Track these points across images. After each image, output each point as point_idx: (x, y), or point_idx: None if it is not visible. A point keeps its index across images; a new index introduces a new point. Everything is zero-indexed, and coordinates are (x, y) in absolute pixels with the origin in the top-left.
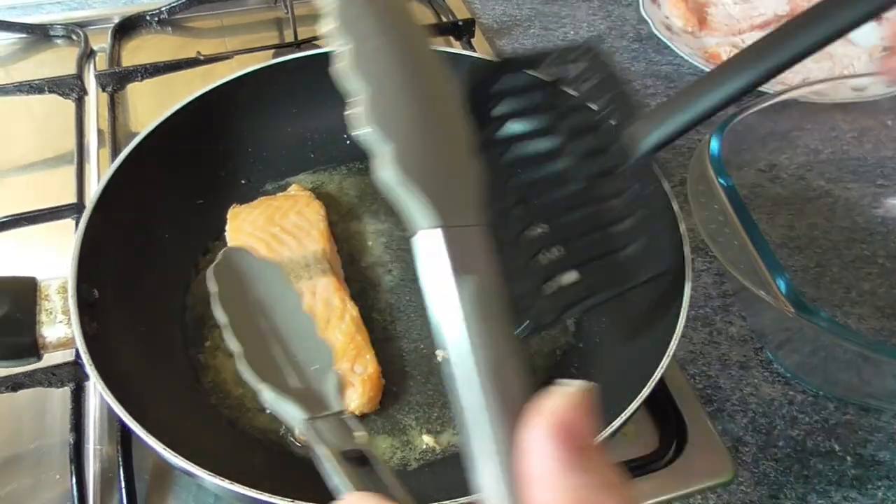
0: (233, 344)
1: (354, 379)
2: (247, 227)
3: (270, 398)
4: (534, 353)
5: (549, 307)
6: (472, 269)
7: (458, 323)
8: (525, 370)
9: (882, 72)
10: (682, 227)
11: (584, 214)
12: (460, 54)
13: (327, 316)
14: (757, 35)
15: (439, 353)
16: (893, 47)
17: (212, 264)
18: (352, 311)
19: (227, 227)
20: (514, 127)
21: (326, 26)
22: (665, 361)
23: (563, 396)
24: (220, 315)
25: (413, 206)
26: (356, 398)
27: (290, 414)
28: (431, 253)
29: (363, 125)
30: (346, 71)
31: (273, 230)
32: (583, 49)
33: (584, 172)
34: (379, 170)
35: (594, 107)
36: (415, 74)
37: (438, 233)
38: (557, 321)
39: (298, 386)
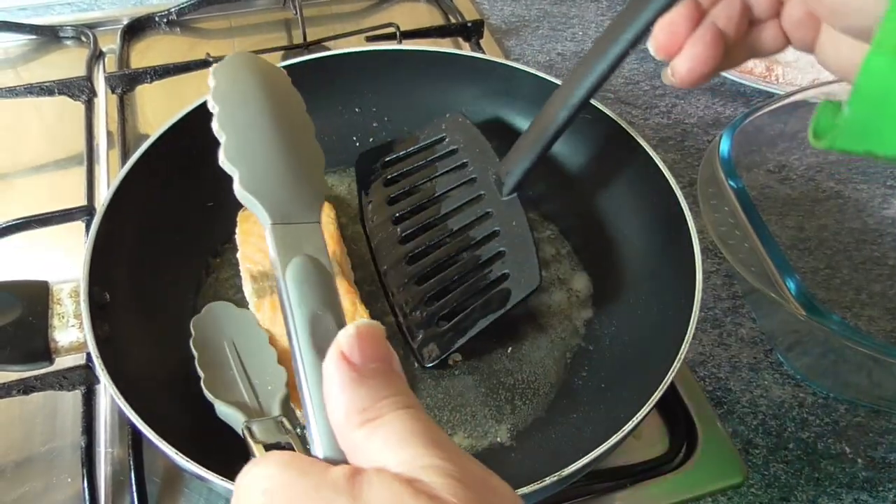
0: (200, 371)
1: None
2: (256, 230)
3: (219, 406)
4: (544, 356)
5: (447, 339)
6: (294, 253)
7: (283, 291)
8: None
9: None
10: (693, 230)
11: (464, 263)
12: (468, 56)
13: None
14: None
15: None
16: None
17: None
18: (362, 313)
19: (237, 231)
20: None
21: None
22: (676, 365)
23: (348, 331)
24: (193, 349)
25: (253, 208)
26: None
27: (234, 418)
28: (269, 242)
29: (223, 160)
30: (216, 126)
31: None
32: (448, 120)
33: (461, 224)
34: (235, 190)
35: (466, 163)
36: (267, 125)
37: (269, 228)
38: (454, 348)
39: (246, 401)
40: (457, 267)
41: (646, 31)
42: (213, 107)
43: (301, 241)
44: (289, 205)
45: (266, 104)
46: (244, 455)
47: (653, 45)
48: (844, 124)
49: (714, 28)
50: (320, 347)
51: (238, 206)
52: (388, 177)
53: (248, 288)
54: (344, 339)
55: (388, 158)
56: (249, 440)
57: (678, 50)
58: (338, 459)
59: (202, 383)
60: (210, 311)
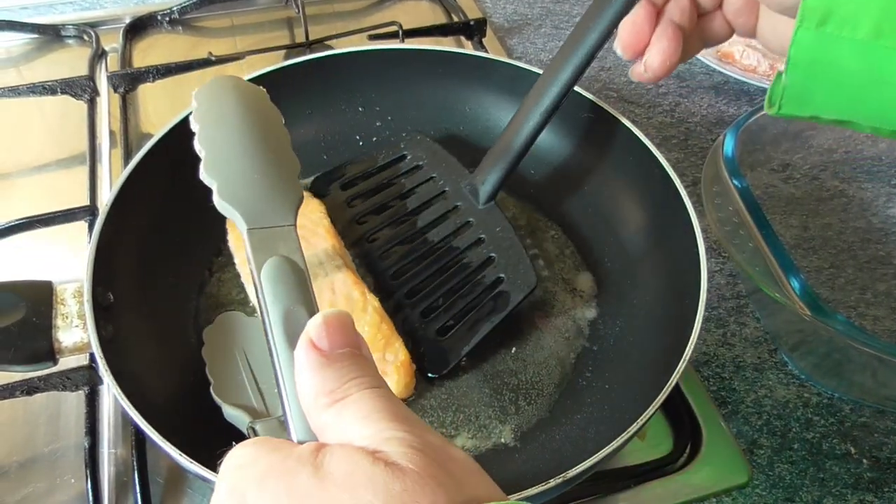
0: (210, 378)
1: (388, 367)
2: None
3: (226, 409)
4: (548, 356)
5: (452, 350)
6: (269, 254)
7: (259, 290)
8: None
9: (633, 77)
10: (697, 229)
11: (454, 272)
12: (471, 55)
13: (350, 309)
14: None
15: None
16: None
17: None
18: (373, 301)
19: (229, 239)
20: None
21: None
22: (681, 366)
23: (315, 320)
24: (204, 357)
25: (231, 215)
26: (392, 386)
27: (240, 420)
28: (245, 246)
29: (203, 174)
30: (196, 144)
31: None
32: (406, 140)
33: (441, 236)
34: (214, 200)
35: (433, 178)
36: (244, 141)
37: (245, 232)
38: (460, 357)
39: (252, 404)
40: (448, 277)
41: (608, 36)
42: (194, 126)
43: (276, 243)
44: (264, 210)
45: (243, 121)
46: None
47: (620, 45)
48: (785, 91)
49: (672, 23)
50: (293, 340)
51: None
52: (351, 198)
53: (251, 290)
54: (312, 327)
55: (346, 180)
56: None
57: (644, 48)
58: (311, 441)
59: (211, 389)
60: (221, 321)
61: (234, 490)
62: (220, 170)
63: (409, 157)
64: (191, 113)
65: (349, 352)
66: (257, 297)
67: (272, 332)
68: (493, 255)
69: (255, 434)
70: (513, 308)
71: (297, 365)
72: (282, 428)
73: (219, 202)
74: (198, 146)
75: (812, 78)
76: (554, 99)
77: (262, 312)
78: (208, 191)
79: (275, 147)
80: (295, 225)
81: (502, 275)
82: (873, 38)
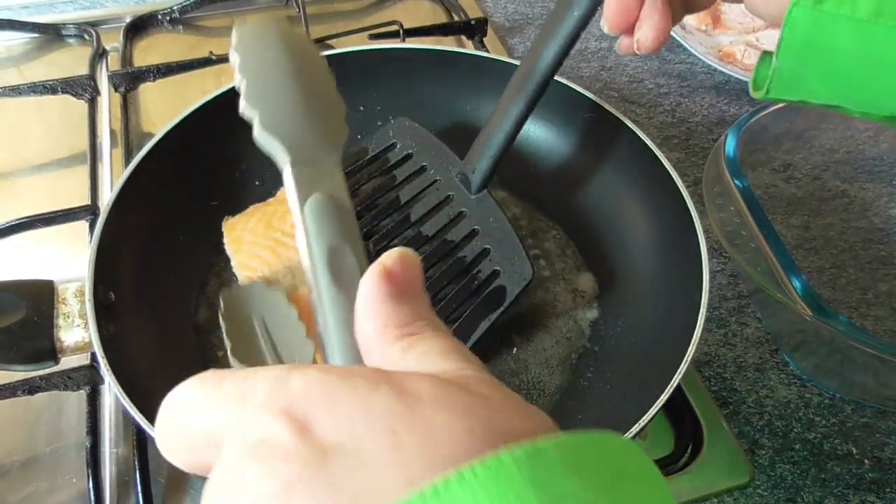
0: (227, 341)
1: None
2: (247, 237)
3: None
4: (549, 357)
5: None
6: (313, 190)
7: (301, 226)
8: (363, 262)
9: (620, 50)
10: (699, 229)
11: (450, 267)
12: (473, 55)
13: None
14: (771, 34)
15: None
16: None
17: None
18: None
19: (225, 241)
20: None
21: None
22: (683, 368)
23: (391, 253)
24: (221, 320)
25: (272, 150)
26: None
27: None
28: (286, 182)
29: (244, 105)
30: (237, 75)
31: (275, 235)
32: (394, 126)
33: (436, 229)
34: (253, 131)
35: (424, 167)
36: (287, 73)
37: (288, 167)
38: None
39: None
40: (444, 272)
41: (591, 15)
42: (233, 57)
43: (320, 180)
44: (308, 146)
45: (287, 56)
46: None
47: (606, 23)
48: (775, 74)
49: None
50: (338, 277)
51: (242, 204)
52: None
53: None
54: (389, 258)
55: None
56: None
57: (632, 24)
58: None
59: (229, 352)
60: (240, 288)
61: (295, 413)
62: (261, 100)
63: (399, 146)
64: (231, 48)
65: (420, 293)
66: (298, 233)
67: (316, 268)
68: (487, 247)
69: None
70: (510, 302)
71: (365, 292)
72: None
73: (260, 133)
74: (238, 77)
75: (805, 61)
76: (538, 82)
77: (304, 249)
78: (230, 178)
79: (319, 85)
80: (340, 164)
81: (498, 268)
82: (874, 17)
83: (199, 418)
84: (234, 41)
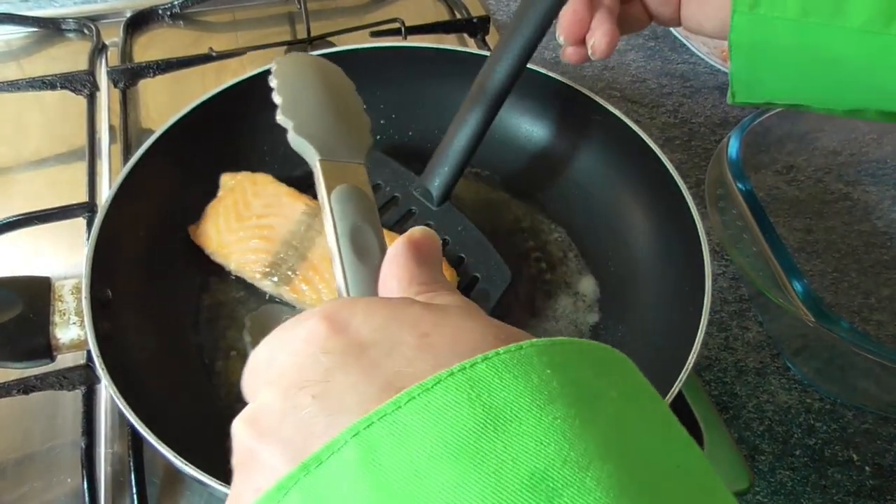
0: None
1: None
2: (228, 238)
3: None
4: None
5: None
6: (339, 182)
7: (328, 211)
8: (382, 241)
9: (565, 59)
10: (701, 234)
11: None
12: (476, 54)
13: None
14: None
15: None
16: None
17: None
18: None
19: (208, 252)
20: None
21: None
22: (683, 376)
23: (416, 228)
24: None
25: (304, 151)
26: None
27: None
28: (316, 175)
29: (280, 116)
30: (275, 94)
31: (251, 223)
32: None
33: None
34: (289, 138)
35: (379, 185)
36: (318, 91)
37: (317, 163)
38: None
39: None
40: None
41: (545, 29)
42: (272, 82)
43: (346, 174)
44: (336, 146)
45: (318, 79)
46: None
47: (562, 34)
48: (733, 79)
49: (608, 8)
50: (360, 250)
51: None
52: None
53: (268, 286)
54: (415, 231)
55: None
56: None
57: (584, 35)
58: None
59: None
60: (265, 310)
61: (335, 317)
62: (296, 111)
63: None
64: (269, 74)
65: (440, 262)
66: (325, 218)
67: (339, 244)
68: (461, 255)
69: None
70: (493, 305)
71: (394, 255)
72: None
73: (294, 138)
74: (276, 96)
75: (755, 62)
76: (494, 96)
77: (329, 230)
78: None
79: (347, 103)
80: (365, 164)
81: (476, 274)
82: (802, 16)
83: (262, 362)
84: (274, 69)
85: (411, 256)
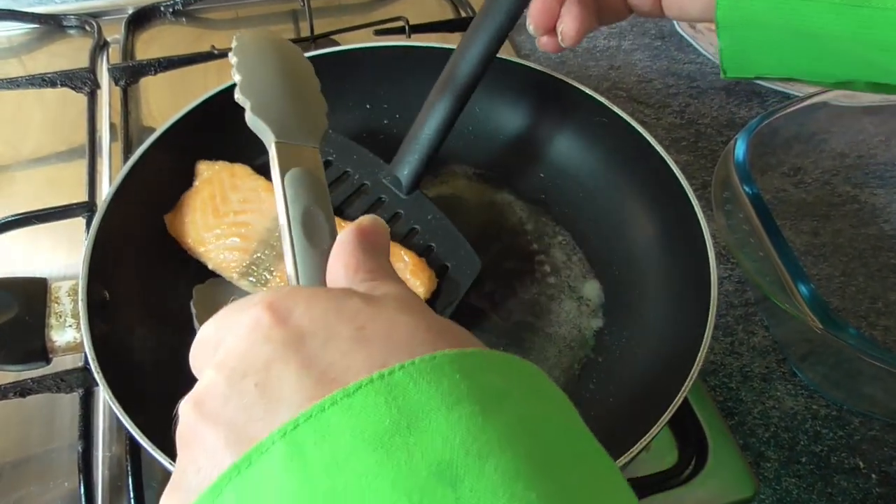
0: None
1: (405, 275)
2: (206, 235)
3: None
4: (552, 367)
5: None
6: (293, 165)
7: (280, 194)
8: (333, 226)
9: (541, 47)
10: (707, 238)
11: None
12: None
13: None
14: None
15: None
16: (540, 31)
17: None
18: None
19: (186, 245)
20: None
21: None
22: (688, 384)
23: (365, 217)
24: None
25: (261, 131)
26: (419, 287)
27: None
28: (271, 157)
29: (238, 95)
30: (234, 72)
31: (228, 219)
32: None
33: None
34: (245, 116)
35: (347, 172)
36: (277, 72)
37: (273, 144)
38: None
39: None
40: None
41: (516, 17)
42: (232, 59)
43: (300, 158)
44: (292, 128)
45: (277, 59)
46: None
47: (532, 23)
48: (722, 55)
49: None
50: (311, 234)
51: None
52: None
53: (245, 286)
54: (366, 220)
55: None
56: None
57: (554, 24)
58: None
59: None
60: (213, 283)
61: (278, 306)
62: (254, 91)
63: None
64: (230, 51)
65: (386, 251)
66: (277, 200)
67: (290, 226)
68: (431, 244)
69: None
70: (462, 295)
71: (342, 242)
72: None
73: (251, 118)
74: (235, 74)
75: (741, 38)
76: (464, 84)
77: (281, 211)
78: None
79: (305, 85)
80: (319, 149)
81: (446, 263)
82: None
83: (208, 342)
84: (234, 45)
85: (359, 244)
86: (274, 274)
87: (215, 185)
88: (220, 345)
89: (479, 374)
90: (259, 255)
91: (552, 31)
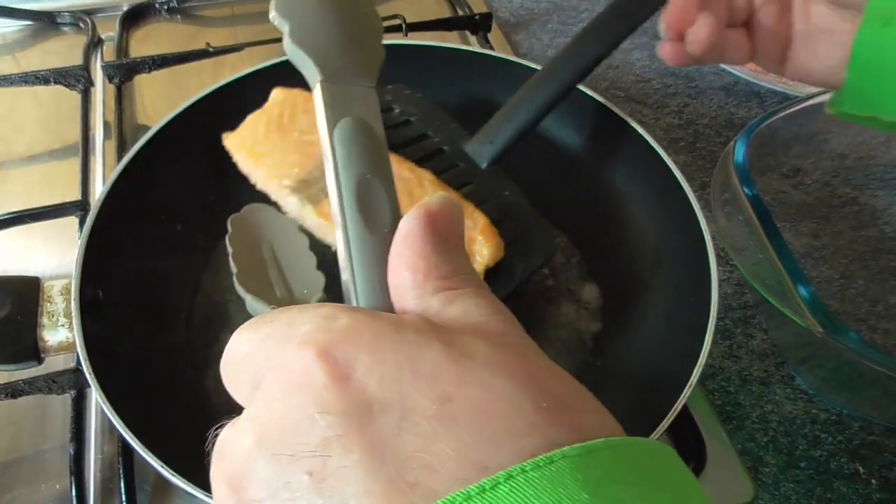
0: (234, 266)
1: (472, 234)
2: (263, 148)
3: (250, 302)
4: None
5: None
6: (344, 113)
7: (329, 152)
8: (394, 199)
9: (661, 55)
10: (707, 240)
11: None
12: (479, 53)
13: (408, 189)
14: None
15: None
16: (670, 36)
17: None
18: (427, 175)
19: (237, 158)
20: None
21: None
22: (688, 391)
23: (436, 197)
24: (228, 244)
25: (302, 65)
26: (484, 252)
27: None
28: (316, 102)
29: (273, 15)
30: None
31: (293, 137)
32: (392, 91)
33: None
34: (284, 46)
35: (426, 134)
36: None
37: (318, 85)
38: None
39: (280, 300)
40: None
41: (657, 8)
42: None
43: (352, 103)
44: (341, 64)
45: None
46: None
47: (665, 20)
48: (846, 89)
49: (715, 10)
50: (367, 213)
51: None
52: None
53: (292, 203)
54: (433, 202)
55: None
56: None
57: (686, 27)
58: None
59: (235, 278)
60: (250, 211)
61: (335, 354)
62: (293, 11)
63: (397, 111)
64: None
65: (462, 243)
66: (325, 159)
67: (343, 201)
68: (499, 218)
69: None
70: (528, 276)
71: (406, 235)
72: None
73: (289, 46)
74: None
75: (872, 76)
76: (580, 69)
77: (330, 177)
78: (229, 173)
79: (355, 3)
80: (375, 88)
81: (511, 241)
82: None
83: (244, 362)
84: None
85: (429, 238)
86: (328, 197)
87: (286, 105)
88: (257, 379)
89: (609, 487)
90: (316, 175)
91: (681, 36)
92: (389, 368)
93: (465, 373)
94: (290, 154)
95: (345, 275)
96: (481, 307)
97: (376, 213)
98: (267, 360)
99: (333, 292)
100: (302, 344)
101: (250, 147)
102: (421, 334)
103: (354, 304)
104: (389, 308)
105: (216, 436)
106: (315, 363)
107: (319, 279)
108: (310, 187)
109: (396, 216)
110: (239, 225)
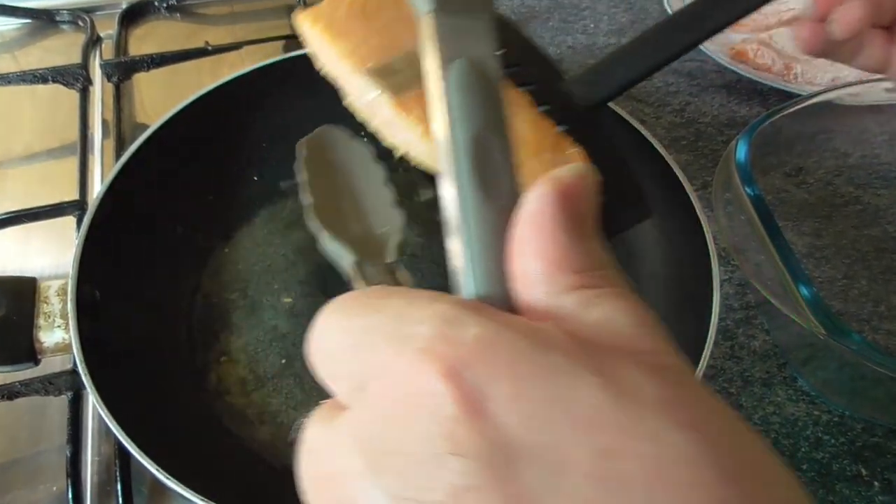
0: (305, 198)
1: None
2: (341, 27)
3: (325, 240)
4: None
5: None
6: (458, 53)
7: (441, 101)
8: (514, 163)
9: (797, 40)
10: (709, 241)
11: None
12: None
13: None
14: (786, 31)
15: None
16: (815, 14)
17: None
18: (523, 99)
19: (309, 35)
20: None
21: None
22: None
23: (571, 168)
24: (302, 171)
25: None
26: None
27: (342, 256)
28: (426, 35)
29: None
30: None
31: (377, 24)
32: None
33: None
34: None
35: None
36: None
37: (427, 16)
38: None
39: (357, 238)
40: None
41: None
42: None
43: (467, 39)
44: None
45: None
46: (234, 466)
47: (816, 3)
48: None
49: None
50: (484, 178)
51: (239, 200)
52: None
53: (365, 90)
54: (567, 173)
55: None
56: (360, 281)
57: (835, 6)
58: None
59: (309, 210)
60: (323, 134)
61: (465, 376)
62: None
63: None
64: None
65: (598, 227)
66: (434, 108)
67: (457, 163)
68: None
69: (364, 275)
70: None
71: (534, 215)
72: (391, 276)
73: None
74: None
75: None
76: (706, 30)
77: (443, 135)
78: (229, 172)
79: None
80: (493, 25)
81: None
82: None
83: (343, 354)
84: None
85: (562, 219)
86: (411, 90)
87: None
88: (359, 379)
89: None
90: (400, 64)
91: (825, 17)
92: (538, 406)
93: (629, 419)
94: (371, 37)
95: (453, 249)
96: (627, 314)
97: (495, 179)
98: (373, 361)
99: (411, 236)
100: (422, 355)
101: (326, 23)
102: (569, 358)
103: (468, 284)
104: (505, 297)
105: (301, 425)
106: (442, 385)
107: (397, 217)
108: (392, 75)
109: (515, 184)
110: (313, 148)
